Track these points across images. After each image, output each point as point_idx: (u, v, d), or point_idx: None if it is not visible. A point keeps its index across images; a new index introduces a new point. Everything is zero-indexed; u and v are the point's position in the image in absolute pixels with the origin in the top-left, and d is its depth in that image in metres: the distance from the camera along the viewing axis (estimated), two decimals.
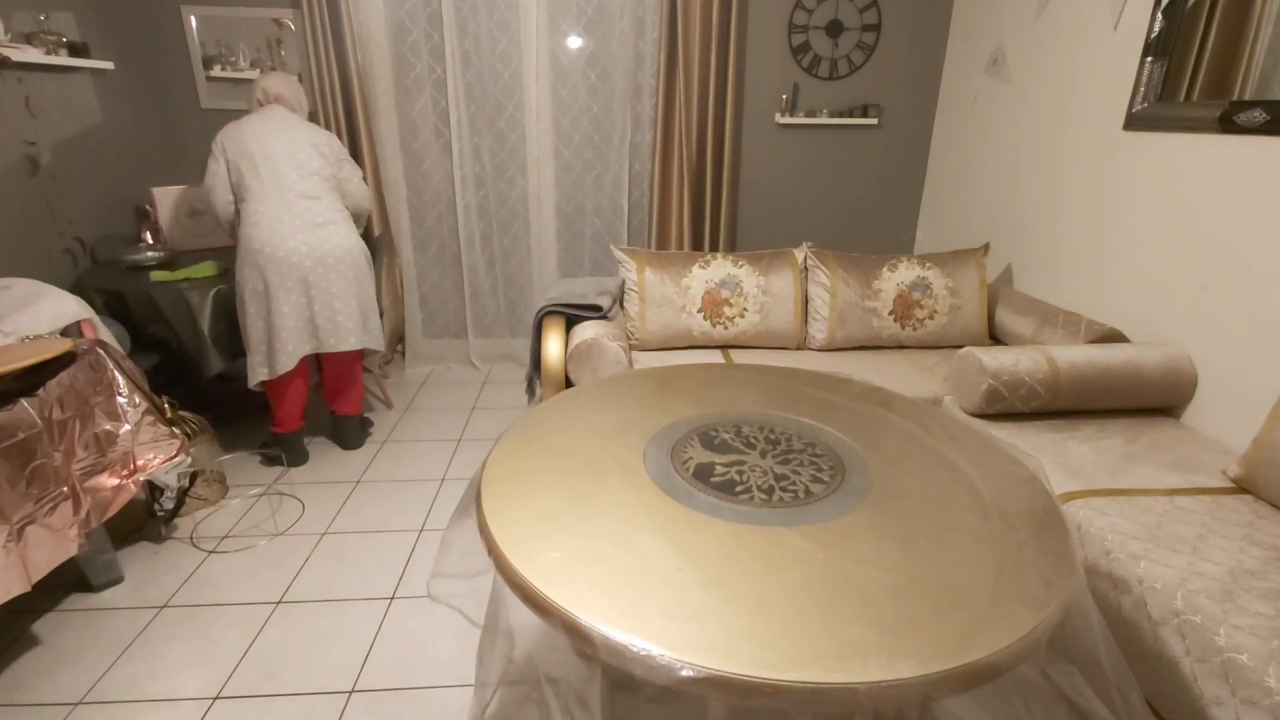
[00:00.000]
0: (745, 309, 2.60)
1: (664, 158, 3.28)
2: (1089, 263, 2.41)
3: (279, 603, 1.92)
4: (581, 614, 0.94)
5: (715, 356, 2.57)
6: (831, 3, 3.19)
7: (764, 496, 1.25)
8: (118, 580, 1.99)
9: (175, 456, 1.97)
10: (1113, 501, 1.57)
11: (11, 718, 1.56)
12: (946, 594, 1.00)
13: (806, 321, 2.68)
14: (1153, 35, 2.10)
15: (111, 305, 2.52)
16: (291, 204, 2.37)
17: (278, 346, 2.40)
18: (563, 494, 1.24)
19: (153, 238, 2.85)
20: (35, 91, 2.50)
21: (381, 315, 2.79)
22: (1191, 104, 1.98)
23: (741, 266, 2.62)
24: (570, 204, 3.51)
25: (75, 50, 2.57)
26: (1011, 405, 1.97)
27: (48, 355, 1.66)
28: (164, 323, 2.46)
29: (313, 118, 3.18)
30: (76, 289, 2.42)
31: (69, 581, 1.95)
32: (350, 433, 2.77)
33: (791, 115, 3.32)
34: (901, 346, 2.67)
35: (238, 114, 3.16)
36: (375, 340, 2.63)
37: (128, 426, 1.88)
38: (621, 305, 2.69)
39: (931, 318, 2.62)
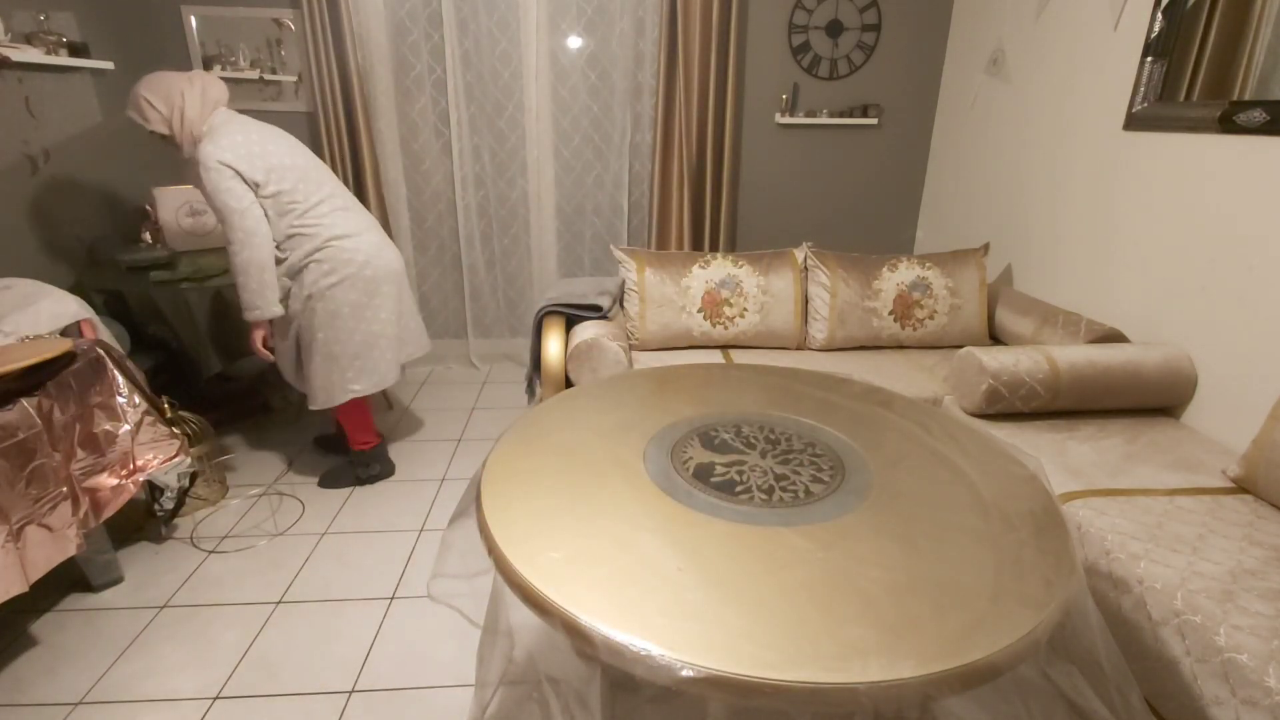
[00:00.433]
0: (745, 309, 2.60)
1: (664, 158, 3.28)
2: (1089, 263, 2.41)
3: (279, 603, 1.92)
4: (581, 614, 0.94)
5: (715, 356, 2.57)
6: (831, 3, 3.19)
7: (764, 496, 1.25)
8: (118, 580, 1.99)
9: (175, 457, 1.97)
10: (1113, 501, 1.57)
11: (11, 718, 1.55)
12: (946, 594, 1.00)
13: (806, 321, 2.68)
14: (1153, 35, 2.10)
15: (111, 305, 2.51)
16: (361, 212, 2.31)
17: (377, 358, 2.32)
18: (563, 494, 1.24)
19: (153, 238, 2.85)
20: (35, 91, 2.50)
21: None
22: (1191, 104, 1.98)
23: (741, 266, 2.62)
24: (570, 204, 3.51)
25: (75, 50, 2.57)
26: (1011, 405, 1.97)
27: (48, 355, 1.66)
28: (164, 323, 2.46)
29: (313, 118, 3.20)
30: (76, 289, 2.41)
31: (69, 581, 1.95)
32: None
33: (791, 115, 3.32)
34: (901, 346, 2.67)
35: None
36: (428, 344, 2.62)
37: (127, 426, 1.88)
38: (621, 305, 2.69)
39: (931, 318, 2.62)
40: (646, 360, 2.50)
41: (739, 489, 1.27)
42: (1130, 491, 1.61)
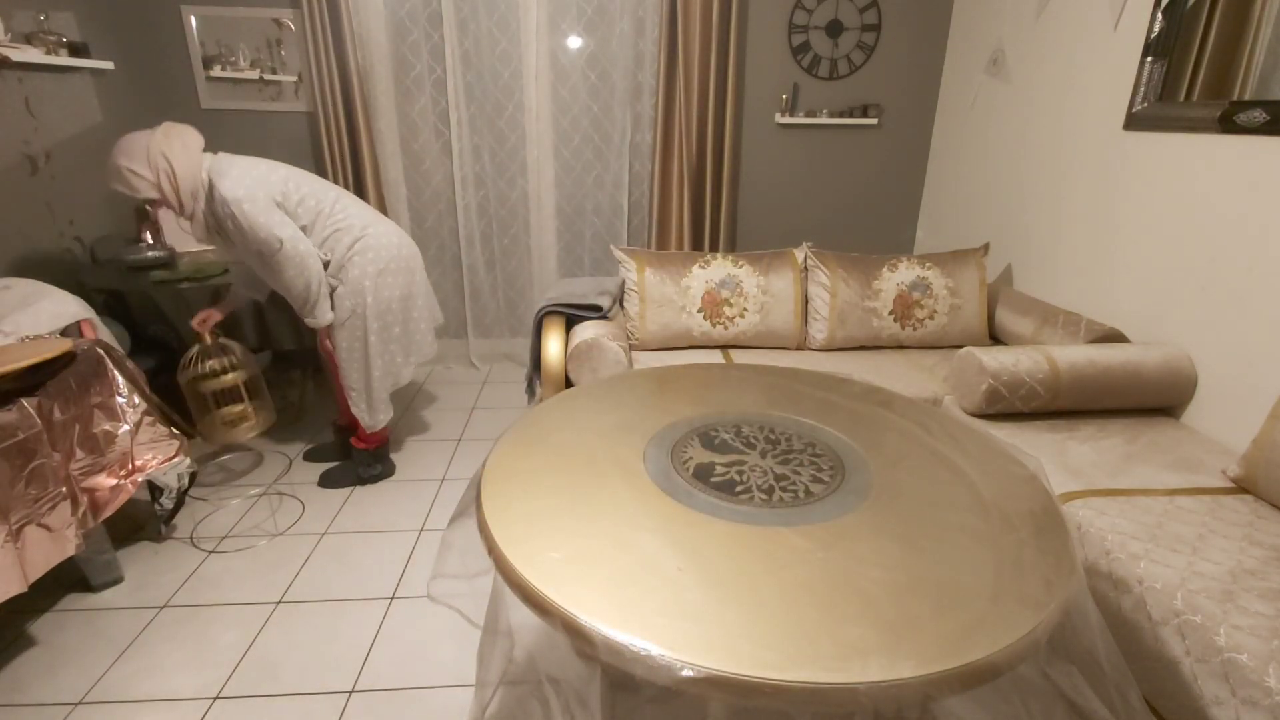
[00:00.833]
0: (745, 309, 2.60)
1: (664, 158, 3.28)
2: (1089, 263, 2.41)
3: (279, 603, 1.92)
4: (581, 614, 0.94)
5: (715, 356, 2.57)
6: (831, 3, 3.19)
7: (764, 496, 1.25)
8: (117, 580, 1.99)
9: (174, 457, 1.97)
10: (1113, 501, 1.57)
11: (11, 718, 1.55)
12: (946, 594, 1.00)
13: (806, 321, 2.68)
14: (1153, 35, 2.10)
15: (111, 305, 2.52)
16: (366, 206, 2.34)
17: (419, 339, 2.43)
18: (563, 494, 1.23)
19: (153, 238, 2.84)
20: (35, 91, 2.50)
21: None
22: (1191, 104, 1.98)
23: (741, 266, 2.62)
24: (570, 204, 3.51)
25: (75, 50, 2.57)
26: (1011, 405, 1.97)
27: (48, 355, 1.66)
28: (164, 323, 2.46)
29: (313, 118, 3.21)
30: (76, 289, 2.41)
31: (69, 581, 1.95)
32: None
33: (791, 115, 3.32)
34: (901, 346, 2.67)
35: (238, 114, 3.20)
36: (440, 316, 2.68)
37: (127, 426, 1.88)
38: (621, 305, 2.69)
39: (931, 318, 2.62)
40: (646, 360, 2.50)
41: (739, 489, 1.27)
42: (1130, 491, 1.61)
